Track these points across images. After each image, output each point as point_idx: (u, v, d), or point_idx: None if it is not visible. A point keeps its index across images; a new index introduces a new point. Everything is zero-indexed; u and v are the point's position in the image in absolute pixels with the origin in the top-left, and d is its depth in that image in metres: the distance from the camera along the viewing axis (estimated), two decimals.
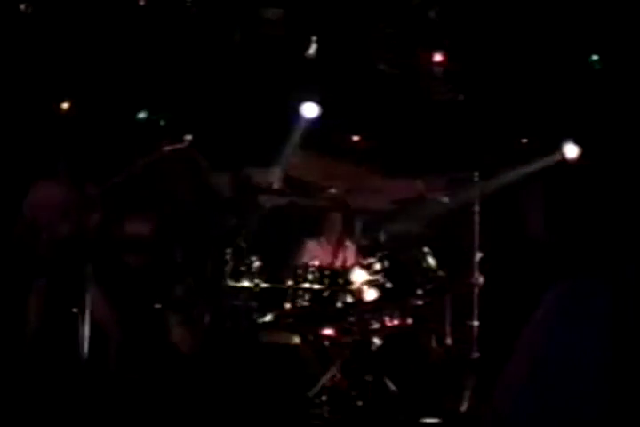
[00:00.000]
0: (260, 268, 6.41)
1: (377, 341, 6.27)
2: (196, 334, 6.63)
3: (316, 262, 6.50)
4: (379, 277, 6.19)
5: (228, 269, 6.43)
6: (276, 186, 7.57)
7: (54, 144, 6.45)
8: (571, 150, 7.47)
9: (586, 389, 1.49)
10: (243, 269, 6.43)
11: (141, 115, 7.54)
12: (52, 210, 5.92)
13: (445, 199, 7.00)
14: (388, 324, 6.28)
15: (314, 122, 7.79)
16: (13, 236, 6.04)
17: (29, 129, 7.07)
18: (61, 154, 6.19)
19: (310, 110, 7.70)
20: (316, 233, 7.21)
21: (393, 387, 6.02)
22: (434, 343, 6.47)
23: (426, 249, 6.31)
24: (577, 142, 7.38)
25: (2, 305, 6.27)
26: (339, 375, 6.01)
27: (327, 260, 6.73)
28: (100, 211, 6.03)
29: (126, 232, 6.60)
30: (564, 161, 7.57)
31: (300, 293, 6.25)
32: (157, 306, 6.71)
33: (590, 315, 1.53)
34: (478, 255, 6.39)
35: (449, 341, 6.58)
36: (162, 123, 7.58)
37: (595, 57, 6.69)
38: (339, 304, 6.19)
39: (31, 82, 6.98)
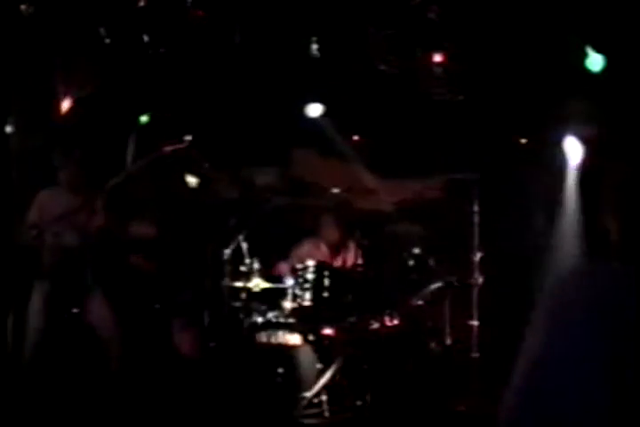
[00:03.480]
0: (260, 268, 6.42)
1: (377, 341, 6.27)
2: (198, 338, 6.63)
3: (316, 262, 6.51)
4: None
5: (227, 269, 6.44)
6: (276, 186, 7.57)
7: (56, 146, 6.45)
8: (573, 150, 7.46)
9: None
10: (243, 269, 6.43)
11: (144, 118, 7.53)
12: (56, 214, 5.92)
13: None
14: (388, 324, 6.29)
15: (314, 122, 7.80)
16: (17, 240, 6.05)
17: (30, 131, 7.06)
18: (63, 156, 6.18)
19: (314, 110, 7.72)
20: (314, 234, 7.18)
21: (393, 387, 6.03)
22: (434, 343, 6.47)
23: (416, 250, 6.34)
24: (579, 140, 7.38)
25: (4, 308, 6.26)
26: (339, 375, 6.01)
27: (326, 260, 6.73)
28: (102, 213, 6.03)
29: (129, 234, 6.59)
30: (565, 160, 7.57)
31: (300, 293, 6.26)
32: (160, 310, 6.71)
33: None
34: (478, 255, 6.40)
35: (449, 341, 6.58)
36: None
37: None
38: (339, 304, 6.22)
39: (31, 83, 6.98)
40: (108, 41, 6.73)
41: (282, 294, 6.32)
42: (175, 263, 6.93)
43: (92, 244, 6.00)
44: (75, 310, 6.04)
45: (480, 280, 6.37)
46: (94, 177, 6.12)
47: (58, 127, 7.17)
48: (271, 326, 6.34)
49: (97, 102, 7.30)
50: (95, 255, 6.03)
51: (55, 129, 7.14)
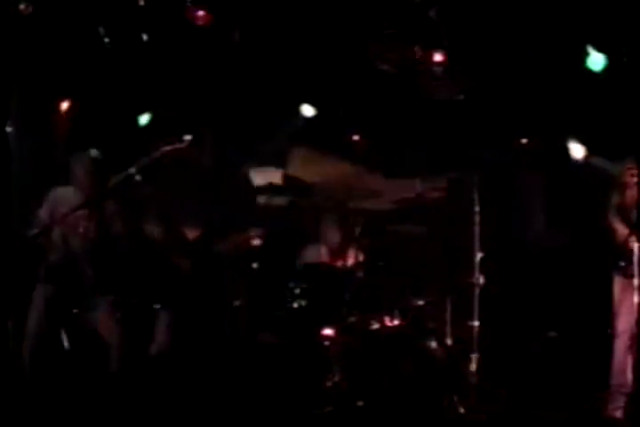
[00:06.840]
0: (259, 268, 6.43)
1: (377, 341, 6.27)
2: (187, 334, 6.60)
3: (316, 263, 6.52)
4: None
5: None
6: (275, 186, 7.57)
7: (62, 147, 6.44)
8: (577, 150, 7.46)
9: None
10: (242, 269, 6.44)
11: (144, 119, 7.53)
12: (65, 215, 5.88)
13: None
14: (388, 324, 6.29)
15: (314, 121, 7.81)
16: (26, 240, 6.02)
17: (32, 131, 7.06)
18: (78, 156, 6.16)
19: (307, 111, 7.75)
20: (314, 238, 7.19)
21: (392, 387, 6.02)
22: (434, 343, 6.47)
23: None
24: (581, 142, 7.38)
25: (4, 310, 6.24)
26: (339, 375, 6.01)
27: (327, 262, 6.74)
28: (101, 213, 6.02)
29: (127, 234, 6.57)
30: (565, 160, 7.58)
31: (301, 293, 6.26)
32: (156, 307, 6.69)
33: None
34: (478, 255, 6.40)
35: (449, 341, 6.58)
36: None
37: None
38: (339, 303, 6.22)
39: (31, 82, 6.98)
40: (107, 40, 6.73)
41: (282, 294, 6.33)
42: (170, 262, 6.91)
43: (92, 243, 5.98)
44: (76, 312, 6.03)
45: (480, 280, 6.37)
46: (107, 177, 6.08)
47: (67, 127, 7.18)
48: (272, 325, 6.34)
49: (98, 100, 7.31)
50: (95, 255, 6.01)
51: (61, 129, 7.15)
